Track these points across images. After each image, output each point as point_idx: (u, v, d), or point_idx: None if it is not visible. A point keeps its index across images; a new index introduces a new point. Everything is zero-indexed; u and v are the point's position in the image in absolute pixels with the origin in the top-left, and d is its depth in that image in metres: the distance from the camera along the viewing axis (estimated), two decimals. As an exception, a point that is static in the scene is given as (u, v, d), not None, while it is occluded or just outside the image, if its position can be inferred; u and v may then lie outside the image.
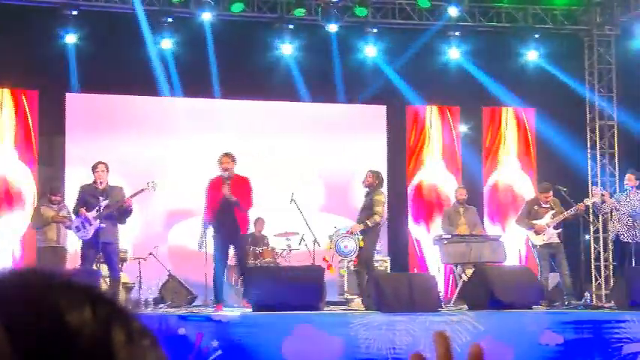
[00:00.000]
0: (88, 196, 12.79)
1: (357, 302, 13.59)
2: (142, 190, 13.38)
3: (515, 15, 18.99)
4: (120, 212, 12.86)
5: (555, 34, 19.25)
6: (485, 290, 12.43)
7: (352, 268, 14.65)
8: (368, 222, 13.61)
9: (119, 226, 13.07)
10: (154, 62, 17.33)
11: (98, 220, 12.58)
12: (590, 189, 17.91)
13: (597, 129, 19.44)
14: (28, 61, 16.35)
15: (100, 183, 12.72)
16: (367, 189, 13.99)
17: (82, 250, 12.94)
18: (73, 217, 13.17)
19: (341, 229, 14.32)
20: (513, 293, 12.39)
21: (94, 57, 16.64)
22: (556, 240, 14.41)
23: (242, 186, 12.83)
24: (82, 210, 12.67)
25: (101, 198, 12.64)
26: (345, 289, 15.32)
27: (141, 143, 17.37)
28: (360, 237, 13.64)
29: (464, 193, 15.83)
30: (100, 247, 12.66)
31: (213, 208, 12.75)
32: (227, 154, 12.96)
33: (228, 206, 12.62)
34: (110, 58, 16.52)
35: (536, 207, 14.64)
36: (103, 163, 12.92)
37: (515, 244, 17.55)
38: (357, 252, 13.72)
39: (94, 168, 12.86)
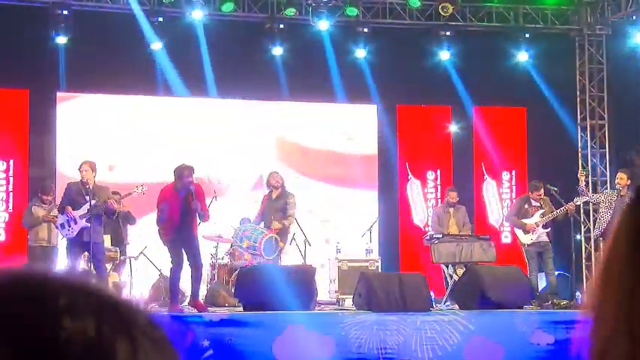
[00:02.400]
0: (75, 195, 12.77)
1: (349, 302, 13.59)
2: (130, 193, 13.40)
3: (506, 15, 19.00)
4: (105, 212, 12.88)
5: (546, 33, 19.26)
6: (476, 290, 12.45)
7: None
8: (285, 222, 13.73)
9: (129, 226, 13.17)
10: (145, 62, 17.29)
11: (84, 220, 12.56)
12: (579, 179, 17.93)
13: (588, 128, 19.45)
14: (18, 61, 16.31)
15: (86, 182, 12.71)
16: (278, 190, 13.99)
17: (68, 249, 12.93)
18: (58, 214, 13.14)
19: (256, 228, 14.08)
20: (504, 293, 12.41)
21: (85, 57, 16.59)
22: (545, 239, 14.43)
23: (201, 195, 13.00)
24: (69, 208, 12.65)
25: (87, 197, 12.63)
26: (337, 288, 15.31)
27: (132, 143, 17.34)
28: (278, 238, 13.69)
29: (454, 197, 15.87)
30: (85, 247, 12.65)
31: (174, 220, 12.74)
32: (189, 167, 12.91)
33: (189, 218, 12.77)
34: (101, 58, 16.50)
35: (526, 205, 14.67)
36: (88, 162, 12.92)
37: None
38: (278, 252, 13.77)
39: (79, 168, 12.88)
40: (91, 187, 12.71)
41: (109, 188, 13.22)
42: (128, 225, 15.17)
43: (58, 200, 14.31)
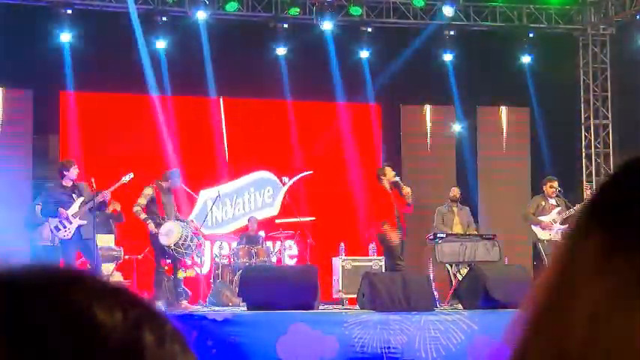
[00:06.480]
0: (60, 195, 12.73)
1: None
2: (119, 183, 13.26)
3: (509, 14, 19.00)
4: (99, 206, 12.86)
5: (550, 33, 19.26)
6: (479, 289, 12.42)
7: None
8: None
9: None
10: (148, 61, 17.29)
11: (78, 218, 12.55)
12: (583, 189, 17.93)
13: (592, 128, 19.45)
14: (22, 60, 16.33)
15: (71, 180, 12.72)
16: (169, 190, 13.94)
17: (62, 249, 12.89)
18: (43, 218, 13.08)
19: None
20: (508, 292, 12.37)
21: (88, 56, 16.62)
22: (558, 239, 14.45)
23: None
24: (62, 209, 12.60)
25: (74, 195, 12.63)
26: (340, 288, 15.30)
27: (135, 142, 17.33)
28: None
29: (457, 192, 15.85)
30: (79, 244, 12.65)
31: None
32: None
33: None
34: (104, 57, 16.52)
35: (543, 203, 14.69)
36: (73, 161, 13.04)
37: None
38: None
39: (70, 166, 12.82)
40: (74, 184, 12.75)
41: (87, 183, 13.13)
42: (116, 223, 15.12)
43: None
